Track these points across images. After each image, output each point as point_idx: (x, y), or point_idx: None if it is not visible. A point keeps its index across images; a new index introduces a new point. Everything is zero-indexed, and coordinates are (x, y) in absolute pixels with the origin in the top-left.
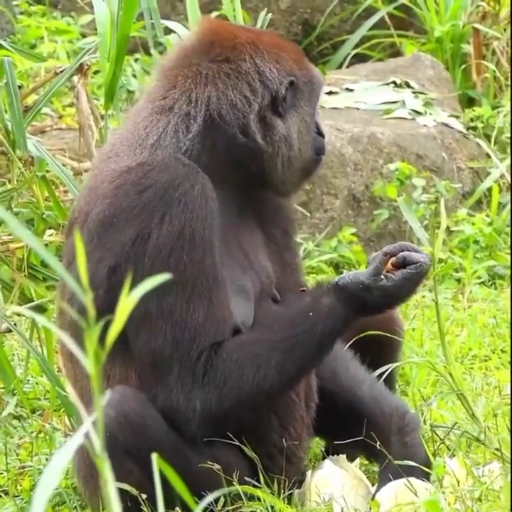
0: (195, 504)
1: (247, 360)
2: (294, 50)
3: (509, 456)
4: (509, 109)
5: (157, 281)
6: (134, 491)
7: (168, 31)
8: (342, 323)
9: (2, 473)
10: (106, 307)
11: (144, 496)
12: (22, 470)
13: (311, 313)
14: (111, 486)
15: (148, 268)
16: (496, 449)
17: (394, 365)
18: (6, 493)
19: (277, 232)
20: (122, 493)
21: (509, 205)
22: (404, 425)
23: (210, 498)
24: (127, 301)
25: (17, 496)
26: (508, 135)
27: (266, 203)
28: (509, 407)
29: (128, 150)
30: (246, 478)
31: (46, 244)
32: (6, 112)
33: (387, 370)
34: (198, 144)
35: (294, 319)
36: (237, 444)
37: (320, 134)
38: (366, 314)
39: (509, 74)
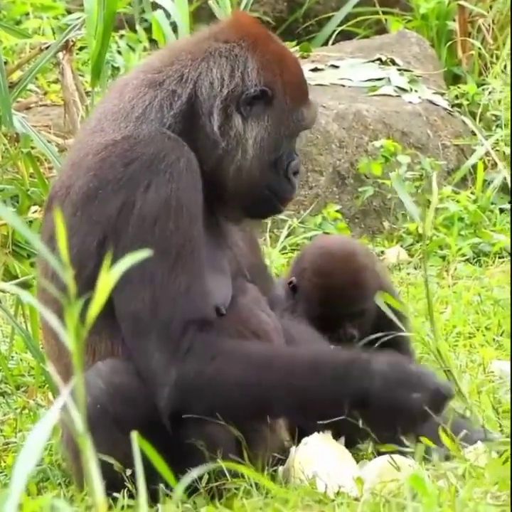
0: (175, 482)
1: (248, 375)
2: (293, 79)
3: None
4: (503, 86)
5: (142, 255)
6: (118, 466)
7: (154, 8)
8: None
9: None
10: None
11: (129, 471)
12: (6, 446)
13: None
14: (93, 464)
15: (131, 236)
16: (481, 427)
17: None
18: None
19: None
20: (111, 464)
21: (508, 181)
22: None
23: (191, 476)
24: (108, 277)
25: (1, 473)
26: (494, 112)
27: None
28: (494, 385)
29: (113, 124)
30: (231, 455)
31: (31, 221)
32: None
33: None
34: (180, 124)
35: (323, 363)
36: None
37: (287, 177)
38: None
39: (499, 51)
